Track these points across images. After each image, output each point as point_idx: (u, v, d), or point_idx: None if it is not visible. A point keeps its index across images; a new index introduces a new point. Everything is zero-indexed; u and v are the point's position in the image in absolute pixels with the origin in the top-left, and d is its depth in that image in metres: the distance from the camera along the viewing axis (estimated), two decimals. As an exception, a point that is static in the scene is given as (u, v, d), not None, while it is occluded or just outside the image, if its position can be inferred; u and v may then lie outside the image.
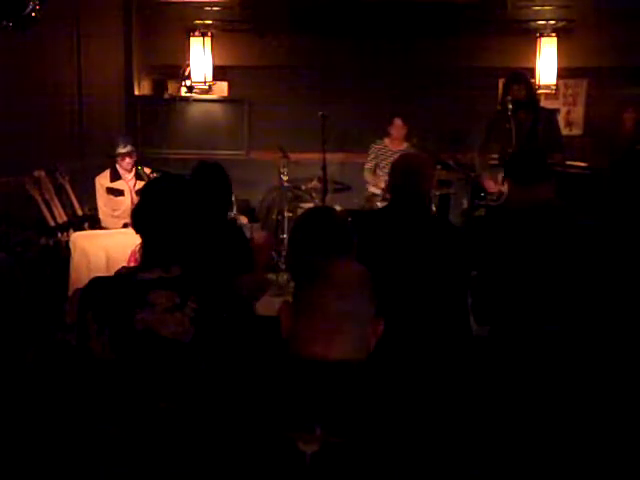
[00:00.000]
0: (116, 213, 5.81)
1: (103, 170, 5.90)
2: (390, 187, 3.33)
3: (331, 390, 1.45)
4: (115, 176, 5.83)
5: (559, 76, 7.31)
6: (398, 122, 6.71)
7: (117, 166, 5.82)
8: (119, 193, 5.82)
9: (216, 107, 7.82)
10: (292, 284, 1.81)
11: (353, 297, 1.52)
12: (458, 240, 3.21)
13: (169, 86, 7.77)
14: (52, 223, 5.31)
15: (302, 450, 1.41)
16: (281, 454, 1.42)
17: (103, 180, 5.85)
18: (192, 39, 7.50)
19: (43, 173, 5.39)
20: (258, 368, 1.80)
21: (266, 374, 1.57)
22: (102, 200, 5.86)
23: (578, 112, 7.52)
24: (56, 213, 5.38)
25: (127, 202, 5.74)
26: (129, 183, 5.82)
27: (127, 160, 5.75)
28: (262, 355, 1.98)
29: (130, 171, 5.82)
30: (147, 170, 5.54)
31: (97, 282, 2.07)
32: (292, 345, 1.53)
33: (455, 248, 3.14)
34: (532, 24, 7.31)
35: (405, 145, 6.78)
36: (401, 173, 3.24)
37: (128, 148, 5.76)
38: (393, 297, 2.63)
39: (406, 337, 2.87)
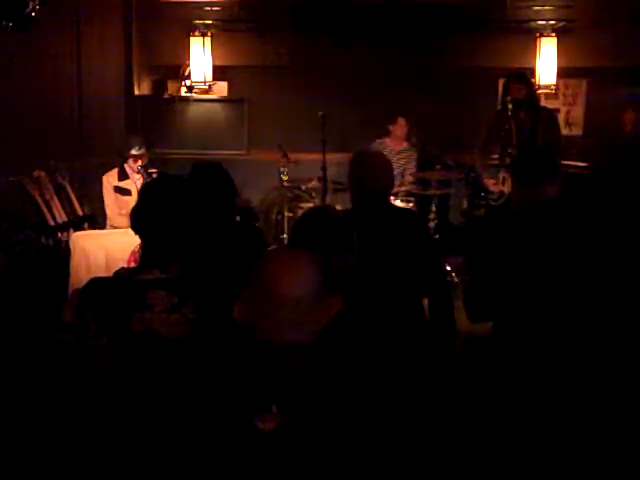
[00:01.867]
0: (123, 212, 5.79)
1: (105, 168, 5.90)
2: (350, 187, 3.36)
3: (284, 371, 1.50)
4: (123, 175, 5.84)
5: (559, 76, 7.30)
6: (401, 121, 6.73)
7: (126, 166, 5.82)
8: (126, 192, 5.82)
9: (216, 107, 7.81)
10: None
11: (304, 284, 1.57)
12: (419, 231, 3.31)
13: (169, 86, 7.77)
14: (52, 223, 5.30)
15: (260, 428, 1.46)
16: (242, 434, 1.47)
17: (111, 179, 5.85)
18: (192, 39, 7.49)
19: (43, 173, 5.38)
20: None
21: (229, 359, 1.62)
22: (110, 198, 5.87)
23: (578, 112, 7.51)
24: (56, 213, 5.38)
25: (134, 202, 5.73)
26: (137, 183, 5.82)
27: (139, 162, 5.77)
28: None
29: (138, 172, 5.83)
30: (152, 170, 5.55)
31: (96, 283, 2.07)
32: (249, 330, 1.57)
33: (416, 239, 3.22)
34: (532, 24, 7.31)
35: (405, 144, 6.81)
36: (358, 171, 3.28)
37: (142, 151, 5.78)
38: (361, 289, 2.64)
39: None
